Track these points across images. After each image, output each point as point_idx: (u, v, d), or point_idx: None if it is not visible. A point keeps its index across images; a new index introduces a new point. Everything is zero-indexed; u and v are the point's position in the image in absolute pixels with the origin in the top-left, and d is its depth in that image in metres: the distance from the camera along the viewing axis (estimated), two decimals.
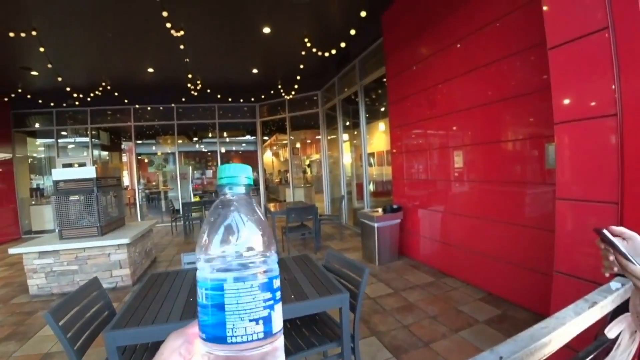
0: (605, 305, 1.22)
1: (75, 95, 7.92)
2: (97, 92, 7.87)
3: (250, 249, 0.35)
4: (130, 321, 1.68)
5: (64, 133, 9.58)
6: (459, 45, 3.84)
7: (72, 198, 4.28)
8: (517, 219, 3.24)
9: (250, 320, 0.33)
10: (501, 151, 3.42)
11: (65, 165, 8.93)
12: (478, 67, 3.58)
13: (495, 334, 2.77)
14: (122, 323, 1.66)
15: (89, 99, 8.23)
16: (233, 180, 0.38)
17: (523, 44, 3.02)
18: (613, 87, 1.70)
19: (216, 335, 0.33)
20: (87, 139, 9.39)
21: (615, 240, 0.76)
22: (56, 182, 4.26)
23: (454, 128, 4.08)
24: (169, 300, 1.94)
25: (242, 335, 0.33)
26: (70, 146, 10.07)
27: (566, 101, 1.93)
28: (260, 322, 0.34)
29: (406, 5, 4.73)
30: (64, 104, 8.77)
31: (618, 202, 1.70)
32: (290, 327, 2.20)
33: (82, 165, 9.06)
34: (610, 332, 1.20)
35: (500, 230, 3.44)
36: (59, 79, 6.26)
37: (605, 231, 0.76)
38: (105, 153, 11.24)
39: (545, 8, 1.97)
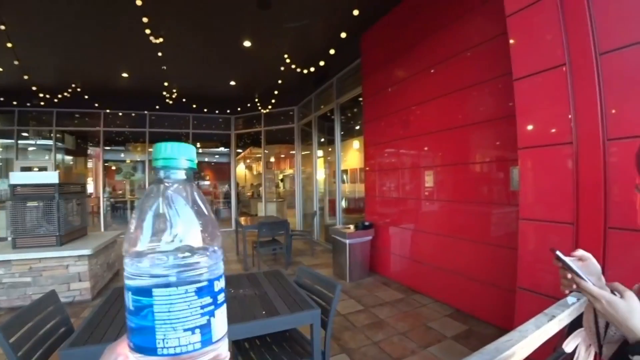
0: (562, 318, 1.30)
1: (41, 95, 7.53)
2: (65, 94, 7.52)
3: (186, 247, 0.29)
4: (90, 338, 1.59)
5: (25, 134, 9.04)
6: (432, 71, 4.03)
7: (29, 204, 4.03)
8: (483, 238, 3.38)
9: (185, 330, 0.28)
10: (469, 172, 3.58)
11: (24, 169, 8.41)
12: (450, 92, 3.77)
13: (463, 350, 2.83)
14: (81, 340, 1.56)
15: (56, 100, 7.84)
16: (171, 162, 0.31)
17: (491, 74, 3.22)
18: (570, 116, 1.85)
19: (144, 346, 0.28)
20: (50, 142, 8.86)
21: (567, 259, 0.82)
22: (13, 187, 4.00)
23: (426, 149, 4.24)
24: None
25: (175, 347, 0.28)
26: (31, 148, 9.49)
27: (529, 128, 2.07)
28: (197, 331, 0.29)
29: (384, 29, 4.94)
30: (28, 104, 8.30)
31: (574, 222, 1.83)
32: (260, 343, 2.16)
33: (43, 169, 8.56)
34: (568, 346, 1.27)
35: (468, 248, 3.56)
36: (25, 77, 5.96)
37: (558, 252, 0.82)
38: (69, 158, 10.69)
39: (512, 41, 2.13)
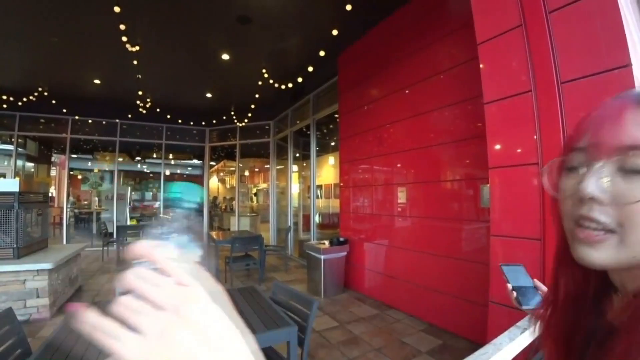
0: (534, 330, 1.35)
1: (4, 97, 7.12)
2: (30, 97, 7.12)
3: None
4: None
5: None
6: (407, 92, 4.19)
7: None
8: (455, 253, 3.48)
9: None
10: (441, 190, 3.71)
11: None
12: (423, 113, 3.92)
13: None
14: None
15: (20, 104, 7.40)
16: (181, 198, 0.44)
17: (462, 96, 3.40)
18: (535, 138, 1.98)
19: None
20: (11, 147, 8.26)
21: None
22: None
23: (399, 166, 4.36)
24: None
25: None
26: None
27: (498, 149, 2.20)
28: None
29: (361, 50, 5.11)
30: None
31: (541, 238, 1.93)
32: None
33: (1, 175, 8.04)
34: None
35: (440, 263, 3.65)
36: None
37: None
38: (30, 164, 10.07)
39: (482, 67, 2.27)
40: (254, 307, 2.21)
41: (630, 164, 0.36)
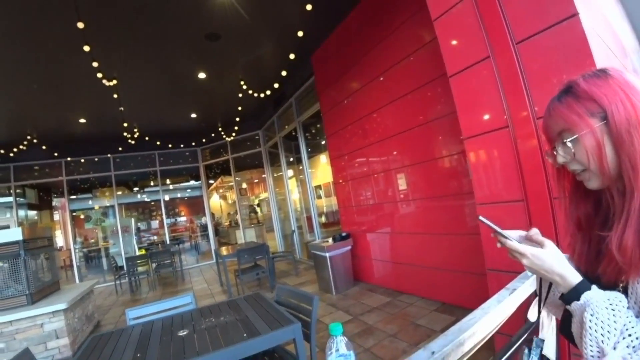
0: (524, 289, 1.36)
1: None
2: (21, 147, 7.25)
3: None
4: None
5: None
6: (381, 79, 4.22)
7: None
8: (457, 229, 3.49)
9: None
10: (436, 168, 3.70)
11: None
12: (402, 96, 3.94)
13: None
14: None
15: (11, 154, 7.53)
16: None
17: (436, 73, 3.41)
18: (502, 103, 2.01)
19: None
20: (10, 199, 8.41)
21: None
22: None
23: (389, 152, 4.38)
24: None
25: None
26: None
27: (469, 119, 2.22)
28: None
29: (331, 47, 5.15)
30: None
31: (524, 199, 1.96)
32: None
33: (4, 228, 8.13)
34: (530, 315, 1.34)
35: (445, 241, 3.66)
36: None
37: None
38: (33, 212, 10.19)
39: (441, 43, 2.31)
40: (258, 311, 2.25)
41: (565, 139, 0.72)
